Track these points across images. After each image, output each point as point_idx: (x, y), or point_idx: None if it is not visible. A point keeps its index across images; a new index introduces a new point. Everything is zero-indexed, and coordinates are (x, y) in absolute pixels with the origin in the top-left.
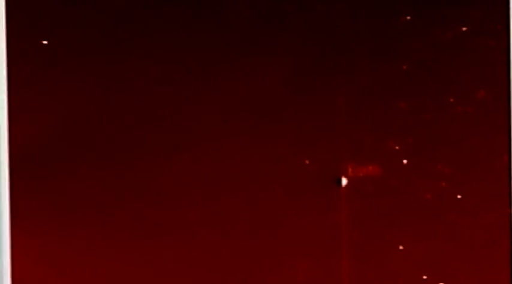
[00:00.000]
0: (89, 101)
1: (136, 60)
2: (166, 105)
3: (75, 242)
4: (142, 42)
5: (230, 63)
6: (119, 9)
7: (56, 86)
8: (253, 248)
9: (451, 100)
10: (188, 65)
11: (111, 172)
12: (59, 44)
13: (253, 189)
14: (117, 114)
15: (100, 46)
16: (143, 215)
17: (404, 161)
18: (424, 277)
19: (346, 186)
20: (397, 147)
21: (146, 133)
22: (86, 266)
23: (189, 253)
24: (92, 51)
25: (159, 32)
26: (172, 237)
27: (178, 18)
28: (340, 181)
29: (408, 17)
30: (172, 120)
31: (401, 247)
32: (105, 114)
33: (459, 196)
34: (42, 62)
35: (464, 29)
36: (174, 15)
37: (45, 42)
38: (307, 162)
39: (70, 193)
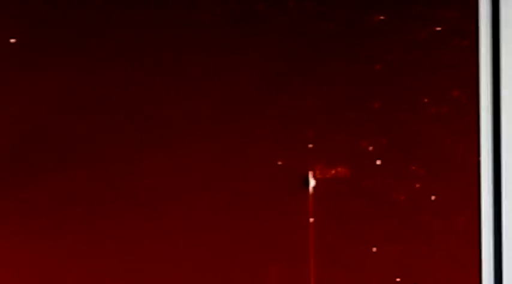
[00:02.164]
0: (53, 101)
1: (104, 59)
2: (135, 106)
3: (34, 247)
4: (110, 41)
5: (200, 63)
6: (88, 9)
7: (17, 86)
8: (221, 251)
9: (425, 100)
10: (158, 64)
11: (73, 174)
12: (23, 43)
13: (225, 191)
14: (83, 115)
15: (67, 46)
16: (109, 219)
17: (378, 162)
18: (398, 280)
19: (317, 187)
20: (370, 148)
21: (114, 134)
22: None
23: (155, 257)
24: (58, 51)
25: (127, 31)
26: (140, 240)
27: (148, 17)
28: (307, 182)
29: (382, 17)
30: (142, 121)
31: (374, 249)
32: (69, 115)
33: (433, 197)
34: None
35: (438, 28)
36: (144, 15)
37: (13, 40)
38: (280, 163)
39: (31, 196)
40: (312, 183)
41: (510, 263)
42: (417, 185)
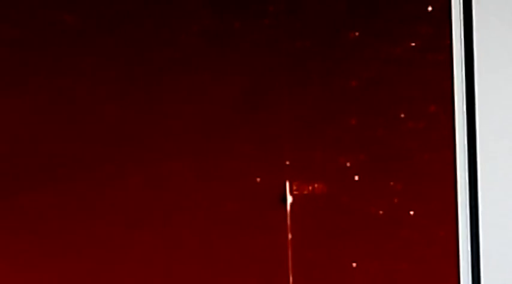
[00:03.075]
0: (28, 120)
1: (81, 79)
2: (112, 123)
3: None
4: (86, 61)
5: (178, 80)
6: (65, 30)
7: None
8: (199, 268)
9: (402, 115)
10: (135, 82)
11: (55, 191)
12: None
13: (204, 208)
14: (63, 132)
15: (44, 66)
16: (92, 238)
17: (356, 178)
18: None
19: (294, 204)
20: (348, 164)
21: (92, 152)
22: None
23: (134, 275)
24: (35, 70)
25: (103, 48)
26: (117, 256)
27: (125, 35)
28: (285, 199)
29: (357, 33)
30: (120, 139)
31: (354, 265)
32: (49, 131)
33: (412, 212)
34: None
35: (413, 44)
36: (122, 32)
37: None
38: (258, 180)
39: (20, 206)
40: (290, 199)
41: (488, 275)
42: (395, 200)
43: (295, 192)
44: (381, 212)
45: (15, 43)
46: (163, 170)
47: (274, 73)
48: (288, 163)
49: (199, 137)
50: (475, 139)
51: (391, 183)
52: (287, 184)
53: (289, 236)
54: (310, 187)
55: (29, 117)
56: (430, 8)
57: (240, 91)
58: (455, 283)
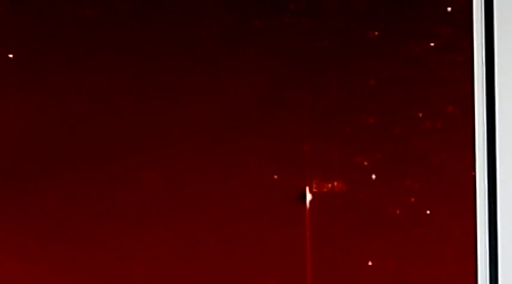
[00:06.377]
0: (48, 114)
1: (100, 74)
2: (130, 120)
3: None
4: (106, 56)
5: (197, 78)
6: (86, 25)
7: (11, 99)
8: (218, 265)
9: (420, 115)
10: (154, 79)
11: (67, 182)
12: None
13: (222, 205)
14: (80, 128)
15: (64, 60)
16: (108, 234)
17: (373, 176)
18: None
19: (313, 201)
20: (365, 163)
21: (111, 147)
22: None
23: (152, 270)
24: (55, 65)
25: (123, 44)
26: (136, 253)
27: (145, 33)
28: (304, 196)
29: (376, 33)
30: (138, 135)
31: (370, 263)
32: (68, 127)
33: (428, 212)
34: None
35: (432, 44)
36: (142, 30)
37: (10, 55)
38: (276, 177)
39: (25, 202)
40: (309, 197)
41: (506, 275)
42: (412, 199)
43: (314, 190)
44: (397, 211)
45: (34, 37)
46: (182, 167)
47: (293, 71)
48: (306, 161)
49: (218, 134)
50: (495, 139)
51: (408, 182)
52: (306, 182)
53: (308, 233)
54: (329, 185)
55: (45, 110)
56: (449, 9)
57: (259, 89)
58: (472, 282)
